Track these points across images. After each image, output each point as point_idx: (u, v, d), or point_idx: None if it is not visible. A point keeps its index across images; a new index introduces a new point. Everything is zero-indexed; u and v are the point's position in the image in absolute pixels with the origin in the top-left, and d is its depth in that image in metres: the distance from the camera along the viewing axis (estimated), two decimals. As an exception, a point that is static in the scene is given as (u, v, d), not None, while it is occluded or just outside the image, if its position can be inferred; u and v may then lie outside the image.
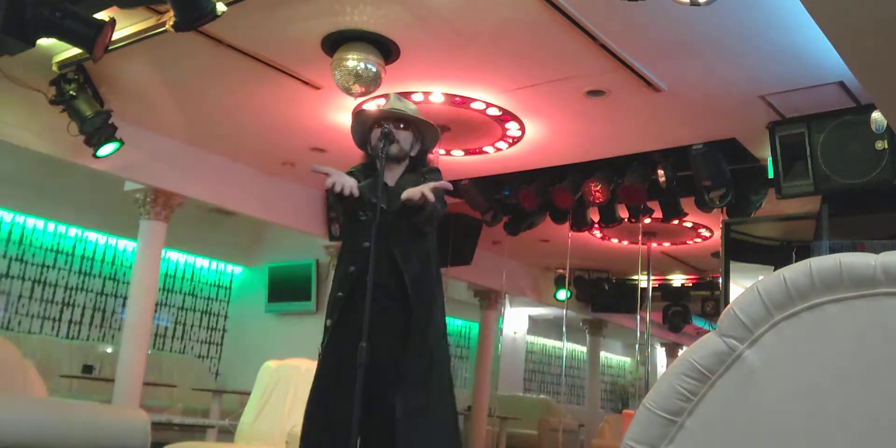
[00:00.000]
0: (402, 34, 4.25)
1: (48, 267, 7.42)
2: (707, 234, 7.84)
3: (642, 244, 7.90)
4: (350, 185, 2.55)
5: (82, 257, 7.71)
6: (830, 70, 4.14)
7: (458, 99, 5.01)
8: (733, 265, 5.45)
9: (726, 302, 5.41)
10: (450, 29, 4.12)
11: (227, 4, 3.72)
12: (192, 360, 8.46)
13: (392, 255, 2.64)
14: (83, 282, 7.70)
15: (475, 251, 7.82)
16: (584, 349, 11.45)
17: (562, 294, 9.38)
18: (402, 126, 2.79)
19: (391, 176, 2.77)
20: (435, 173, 2.82)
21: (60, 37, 3.84)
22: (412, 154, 2.84)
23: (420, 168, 2.86)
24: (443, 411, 2.66)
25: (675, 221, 7.09)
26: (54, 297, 7.45)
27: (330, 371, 2.64)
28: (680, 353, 7.36)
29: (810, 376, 1.11)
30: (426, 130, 2.87)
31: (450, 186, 2.64)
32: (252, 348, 8.22)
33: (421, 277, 2.68)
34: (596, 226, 7.19)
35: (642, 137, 5.48)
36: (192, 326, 8.64)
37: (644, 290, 8.36)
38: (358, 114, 2.90)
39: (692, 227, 7.67)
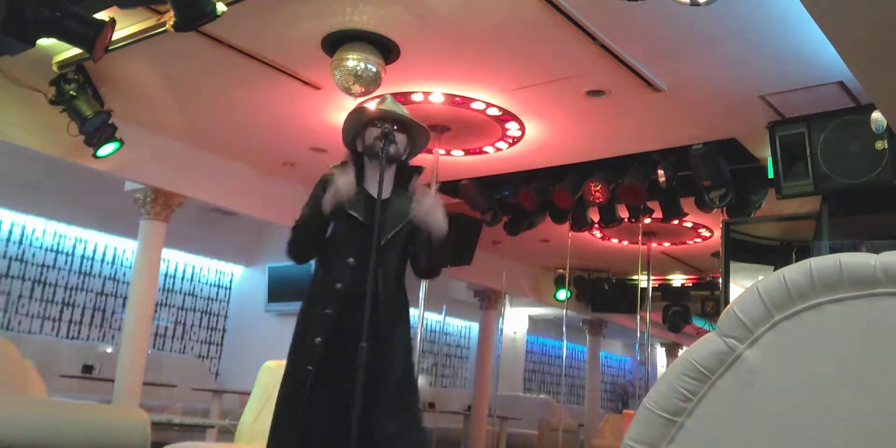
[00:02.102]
0: (402, 34, 4.24)
1: (48, 267, 7.42)
2: (707, 234, 7.83)
3: (642, 244, 7.90)
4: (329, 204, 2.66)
5: (82, 257, 7.72)
6: (830, 70, 4.14)
7: (457, 99, 5.01)
8: (733, 265, 5.45)
9: (726, 302, 5.41)
10: (450, 29, 4.11)
11: (227, 4, 3.72)
12: (192, 360, 8.46)
13: (375, 276, 2.59)
14: (83, 282, 7.70)
15: (475, 251, 7.81)
16: (584, 349, 11.45)
17: (562, 294, 9.37)
18: (396, 128, 2.78)
19: (375, 182, 2.70)
20: (426, 197, 2.77)
21: (60, 37, 3.84)
22: (403, 158, 2.84)
23: (405, 176, 2.85)
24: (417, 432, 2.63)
25: (675, 221, 7.09)
26: (54, 297, 7.45)
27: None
28: (680, 353, 7.36)
29: (810, 376, 1.11)
30: (419, 136, 2.87)
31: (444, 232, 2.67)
32: (252, 348, 8.22)
33: (395, 304, 2.67)
34: (596, 226, 7.18)
35: (642, 137, 5.48)
36: (192, 326, 8.64)
37: (644, 290, 8.35)
38: (358, 111, 2.87)
39: (692, 227, 7.66)
